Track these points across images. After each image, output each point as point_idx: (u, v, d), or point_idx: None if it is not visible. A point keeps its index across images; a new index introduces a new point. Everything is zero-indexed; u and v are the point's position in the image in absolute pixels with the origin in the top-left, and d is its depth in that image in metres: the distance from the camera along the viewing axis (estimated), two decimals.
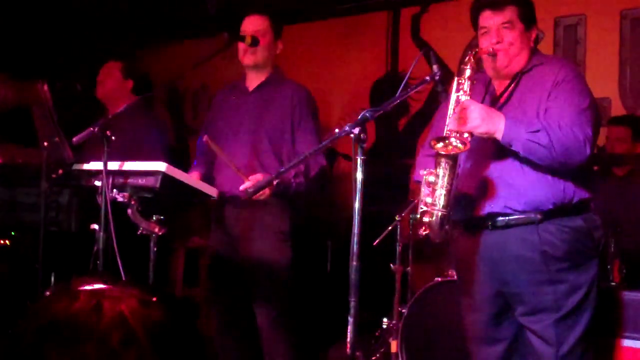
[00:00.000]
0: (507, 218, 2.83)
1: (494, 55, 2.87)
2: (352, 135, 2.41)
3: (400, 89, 2.63)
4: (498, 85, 2.99)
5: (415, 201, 4.34)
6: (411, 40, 5.66)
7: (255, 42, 3.66)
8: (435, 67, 2.70)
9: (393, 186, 5.43)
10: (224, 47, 3.74)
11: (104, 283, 1.15)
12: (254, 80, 3.82)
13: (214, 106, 4.00)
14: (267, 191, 3.40)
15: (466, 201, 2.91)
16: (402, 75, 5.26)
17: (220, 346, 3.84)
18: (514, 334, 2.96)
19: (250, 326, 3.75)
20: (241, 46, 3.72)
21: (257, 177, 3.38)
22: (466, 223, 2.99)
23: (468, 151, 2.85)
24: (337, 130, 2.48)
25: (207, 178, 3.72)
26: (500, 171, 2.85)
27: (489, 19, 2.90)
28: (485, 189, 2.86)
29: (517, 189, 2.81)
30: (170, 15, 6.29)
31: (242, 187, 3.38)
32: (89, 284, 1.13)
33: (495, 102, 2.93)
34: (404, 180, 5.44)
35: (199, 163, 3.87)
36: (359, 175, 2.42)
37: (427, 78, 2.69)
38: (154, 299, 1.14)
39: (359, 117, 2.45)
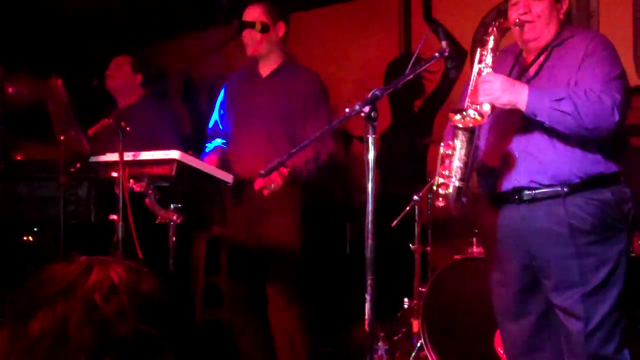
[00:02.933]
0: (533, 192, 2.82)
1: (521, 26, 2.83)
2: (362, 113, 2.42)
3: (410, 66, 2.62)
4: (528, 58, 2.95)
5: (432, 181, 4.37)
6: (424, 20, 5.63)
7: (265, 28, 3.68)
8: (444, 43, 2.69)
9: (410, 167, 5.43)
10: (234, 35, 3.74)
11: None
12: (266, 67, 3.86)
13: (228, 92, 4.03)
14: (279, 182, 3.49)
15: (492, 175, 2.91)
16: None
17: (241, 330, 3.88)
18: (543, 309, 2.93)
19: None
20: (244, 40, 3.77)
21: (272, 178, 3.45)
22: (492, 197, 2.98)
23: (494, 124, 2.87)
24: (347, 110, 2.49)
25: (222, 163, 3.77)
26: (527, 144, 2.83)
27: None
28: (511, 162, 2.85)
29: (543, 163, 2.79)
30: (183, 6, 6.31)
31: (256, 187, 3.46)
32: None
33: (523, 74, 2.90)
34: (421, 160, 5.44)
35: (212, 149, 3.91)
36: (371, 154, 2.43)
37: (437, 54, 2.68)
38: (145, 270, 1.19)
39: (369, 95, 2.45)
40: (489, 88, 2.70)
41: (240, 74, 4.03)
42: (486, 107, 2.72)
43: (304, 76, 3.82)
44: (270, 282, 3.77)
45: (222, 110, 4.00)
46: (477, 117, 2.67)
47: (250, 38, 3.77)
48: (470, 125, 2.68)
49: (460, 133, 2.69)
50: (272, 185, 3.49)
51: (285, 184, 3.53)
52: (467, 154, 2.69)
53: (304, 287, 3.80)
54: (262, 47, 3.79)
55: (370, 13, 5.88)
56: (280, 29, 3.81)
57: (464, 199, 2.74)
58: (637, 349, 3.42)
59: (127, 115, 4.36)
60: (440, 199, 2.76)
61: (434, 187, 2.79)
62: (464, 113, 2.69)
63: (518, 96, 2.68)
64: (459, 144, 2.69)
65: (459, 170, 2.70)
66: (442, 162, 2.75)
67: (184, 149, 3.25)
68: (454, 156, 2.71)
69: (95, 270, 1.14)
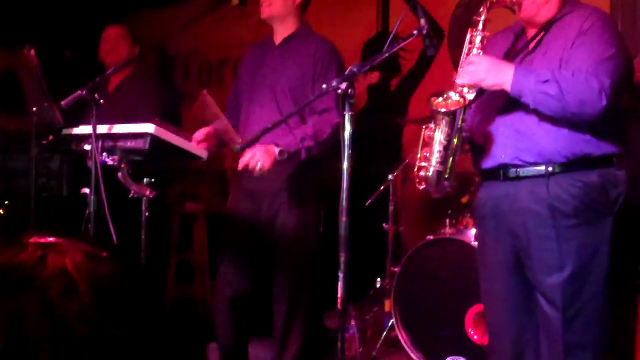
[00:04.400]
0: (517, 169, 2.77)
1: (518, 5, 2.76)
2: (339, 90, 2.41)
3: (388, 43, 2.61)
4: (530, 33, 2.87)
5: (407, 160, 4.38)
6: None
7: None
8: (422, 20, 2.67)
9: (386, 146, 5.43)
10: (211, 8, 3.69)
11: (56, 237, 1.12)
12: (279, 35, 3.72)
13: (243, 62, 3.92)
14: (266, 163, 3.29)
15: (481, 152, 2.88)
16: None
17: (223, 308, 3.70)
18: (528, 291, 2.83)
19: (259, 296, 3.66)
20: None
21: (254, 151, 3.29)
22: (481, 174, 2.96)
23: (484, 101, 2.83)
24: (324, 86, 2.48)
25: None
26: (514, 121, 2.77)
27: None
28: (498, 139, 2.81)
29: (529, 140, 2.73)
30: None
31: (240, 166, 3.30)
32: (41, 237, 1.12)
33: (523, 49, 2.84)
34: (396, 139, 5.43)
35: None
36: (347, 132, 2.42)
37: (415, 32, 2.66)
38: (104, 254, 1.11)
39: (346, 72, 2.44)
40: (474, 70, 2.67)
41: (256, 44, 3.93)
42: (469, 89, 2.69)
43: (316, 43, 3.66)
44: (275, 270, 3.60)
45: (237, 80, 3.88)
46: (459, 99, 2.66)
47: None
48: (452, 108, 2.65)
49: (440, 116, 2.66)
50: (258, 165, 3.29)
51: (276, 164, 3.34)
52: (448, 138, 2.66)
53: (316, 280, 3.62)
54: (278, 9, 3.63)
55: None
56: None
57: (446, 183, 2.73)
58: (622, 334, 3.46)
59: (122, 88, 4.33)
60: (422, 182, 2.74)
61: (415, 171, 2.75)
62: (445, 95, 2.68)
63: (503, 77, 2.63)
64: (440, 127, 2.66)
65: (439, 154, 2.68)
66: (424, 145, 2.72)
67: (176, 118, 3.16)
68: (435, 139, 2.68)
69: (50, 260, 1.06)
